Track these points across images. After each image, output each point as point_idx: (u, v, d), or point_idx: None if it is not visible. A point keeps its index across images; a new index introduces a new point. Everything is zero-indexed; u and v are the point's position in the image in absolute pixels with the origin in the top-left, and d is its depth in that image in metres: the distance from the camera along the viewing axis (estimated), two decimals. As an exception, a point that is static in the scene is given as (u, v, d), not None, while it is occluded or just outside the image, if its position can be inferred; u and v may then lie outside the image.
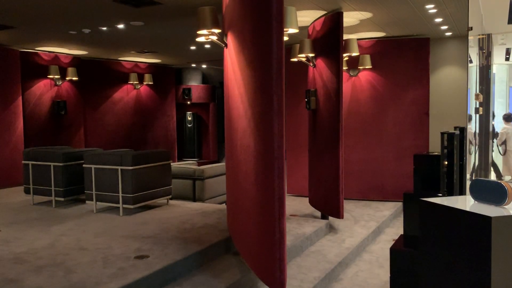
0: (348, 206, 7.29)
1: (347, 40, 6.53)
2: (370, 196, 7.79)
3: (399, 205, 7.38)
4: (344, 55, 6.59)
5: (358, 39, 7.30)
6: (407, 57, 7.55)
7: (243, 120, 3.57)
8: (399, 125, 7.59)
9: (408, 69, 7.54)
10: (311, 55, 5.94)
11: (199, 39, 4.51)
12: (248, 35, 3.42)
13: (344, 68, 7.71)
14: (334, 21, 5.57)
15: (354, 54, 6.59)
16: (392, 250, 3.91)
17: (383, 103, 7.67)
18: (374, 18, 6.35)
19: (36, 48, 8.85)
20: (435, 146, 7.18)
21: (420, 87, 7.48)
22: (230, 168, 4.44)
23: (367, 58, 7.49)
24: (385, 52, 7.64)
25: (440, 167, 3.77)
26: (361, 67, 7.56)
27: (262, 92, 3.14)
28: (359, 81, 7.79)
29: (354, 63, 7.59)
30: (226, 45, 4.28)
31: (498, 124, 11.84)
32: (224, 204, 6.78)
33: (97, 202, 5.95)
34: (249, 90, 3.41)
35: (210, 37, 4.35)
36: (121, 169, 5.68)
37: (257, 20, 3.24)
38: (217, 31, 4.23)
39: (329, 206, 5.77)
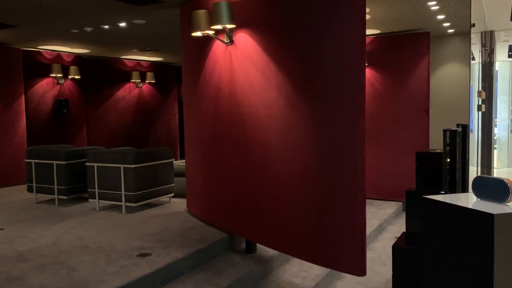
0: (351, 204, 7.27)
1: None
2: (369, 195, 7.75)
3: (400, 203, 7.36)
4: None
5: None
6: (406, 53, 7.38)
7: (287, 118, 3.62)
8: (398, 123, 7.46)
9: (407, 65, 7.37)
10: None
11: (194, 34, 4.39)
12: (310, 31, 3.42)
13: None
14: None
15: None
16: (395, 247, 3.91)
17: (381, 100, 7.58)
18: (374, 15, 6.32)
19: (39, 47, 8.86)
20: (436, 144, 7.13)
21: (419, 84, 7.30)
22: (234, 165, 4.42)
23: None
24: (383, 48, 7.54)
25: (442, 165, 3.76)
26: None
27: (337, 89, 3.21)
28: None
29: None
30: (231, 41, 4.24)
31: (501, 121, 11.80)
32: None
33: (100, 200, 5.96)
34: (304, 89, 3.46)
35: (207, 32, 4.27)
36: (124, 167, 5.69)
37: (327, 18, 3.27)
38: (230, 26, 4.13)
39: None
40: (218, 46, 4.54)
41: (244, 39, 4.08)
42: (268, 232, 4.02)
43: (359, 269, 3.19)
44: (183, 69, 5.80)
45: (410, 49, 7.38)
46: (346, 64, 3.16)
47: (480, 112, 8.52)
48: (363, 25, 3.07)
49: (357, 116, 3.11)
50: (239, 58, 4.18)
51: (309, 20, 3.44)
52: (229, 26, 4.11)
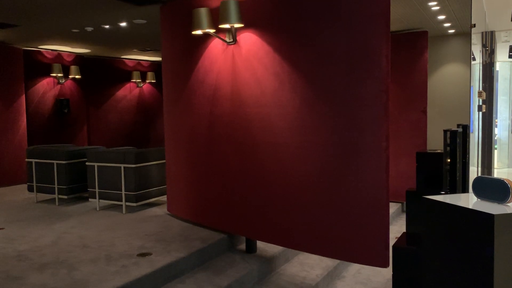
0: (351, 204, 7.26)
1: None
2: None
3: (399, 204, 7.34)
4: None
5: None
6: (403, 52, 7.29)
7: (303, 118, 3.66)
8: (395, 123, 7.36)
9: (405, 64, 7.27)
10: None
11: (195, 32, 4.36)
12: (328, 29, 3.45)
13: None
14: None
15: None
16: (395, 247, 3.90)
17: None
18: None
19: (39, 46, 8.87)
20: (436, 144, 7.09)
21: (417, 84, 7.20)
22: (235, 165, 4.41)
23: None
24: None
25: (443, 165, 3.76)
26: None
27: (361, 89, 3.26)
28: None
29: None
30: (235, 41, 4.23)
31: (501, 122, 11.80)
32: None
33: (100, 200, 5.97)
34: (323, 88, 3.49)
35: (208, 30, 4.24)
36: (124, 167, 5.69)
37: (347, 15, 3.30)
38: (238, 26, 4.10)
39: None
40: (216, 45, 4.49)
41: (251, 39, 4.05)
42: (279, 231, 4.01)
43: (383, 262, 3.29)
44: (163, 68, 5.52)
45: (407, 48, 7.27)
46: (370, 63, 3.16)
47: (480, 113, 8.51)
48: (387, 21, 3.06)
49: (382, 115, 3.17)
50: (244, 57, 4.14)
51: (328, 17, 3.42)
52: (236, 25, 4.07)
